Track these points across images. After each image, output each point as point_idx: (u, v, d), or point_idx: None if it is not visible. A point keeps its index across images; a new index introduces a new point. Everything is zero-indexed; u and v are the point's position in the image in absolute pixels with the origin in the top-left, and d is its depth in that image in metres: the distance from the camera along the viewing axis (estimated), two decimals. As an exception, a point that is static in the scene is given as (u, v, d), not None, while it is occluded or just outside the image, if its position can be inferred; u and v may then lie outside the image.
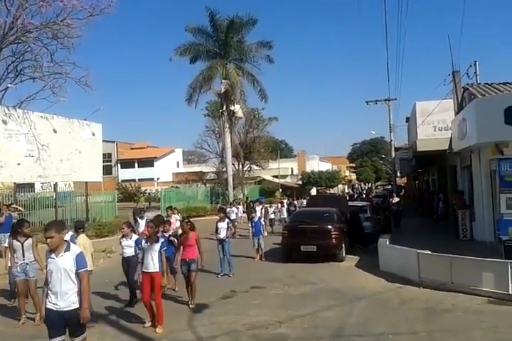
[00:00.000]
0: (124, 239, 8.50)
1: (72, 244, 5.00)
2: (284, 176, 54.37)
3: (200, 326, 7.18)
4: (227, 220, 11.52)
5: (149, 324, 7.17)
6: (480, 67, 17.92)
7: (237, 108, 32.30)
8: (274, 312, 7.86)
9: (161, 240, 7.33)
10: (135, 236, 8.46)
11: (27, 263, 7.45)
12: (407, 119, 33.77)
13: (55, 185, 21.36)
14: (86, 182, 22.59)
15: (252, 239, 14.46)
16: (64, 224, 5.17)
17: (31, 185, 22.66)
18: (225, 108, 32.31)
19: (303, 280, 10.46)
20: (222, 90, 31.34)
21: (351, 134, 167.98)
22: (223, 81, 31.19)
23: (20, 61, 19.75)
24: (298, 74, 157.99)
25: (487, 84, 15.98)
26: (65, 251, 4.77)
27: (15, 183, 19.33)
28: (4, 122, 17.29)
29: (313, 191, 54.16)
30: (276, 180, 49.92)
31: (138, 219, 13.14)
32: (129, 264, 8.30)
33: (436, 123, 22.33)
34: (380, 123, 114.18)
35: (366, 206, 18.07)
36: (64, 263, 4.74)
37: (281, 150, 57.46)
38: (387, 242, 11.60)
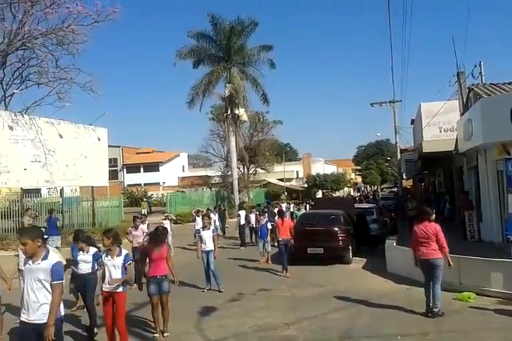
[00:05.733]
0: (80, 252, 7.42)
1: (52, 253, 4.58)
2: (290, 179, 54.37)
3: (208, 328, 7.17)
4: (212, 228, 10.26)
5: None
6: (485, 67, 17.88)
7: (241, 111, 32.40)
8: (282, 314, 7.85)
9: (124, 253, 6.29)
10: (93, 250, 7.25)
11: None
12: (412, 121, 33.68)
13: (62, 190, 21.46)
14: (92, 187, 22.63)
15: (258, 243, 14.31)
16: (38, 231, 4.71)
17: (38, 191, 22.76)
18: (229, 112, 32.40)
19: (310, 282, 10.43)
20: (227, 94, 31.46)
21: (356, 137, 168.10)
22: (227, 85, 31.33)
23: (26, 67, 19.96)
24: (302, 76, 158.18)
25: (492, 84, 15.94)
26: (42, 259, 4.42)
27: (22, 188, 19.41)
28: (11, 128, 17.40)
29: (319, 194, 54.08)
30: (281, 183, 49.88)
31: (131, 229, 11.67)
32: (86, 283, 7.19)
33: (441, 124, 22.23)
34: (386, 126, 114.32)
35: (373, 208, 18.02)
36: (39, 271, 4.40)
37: (286, 154, 57.46)
38: (394, 244, 11.55)
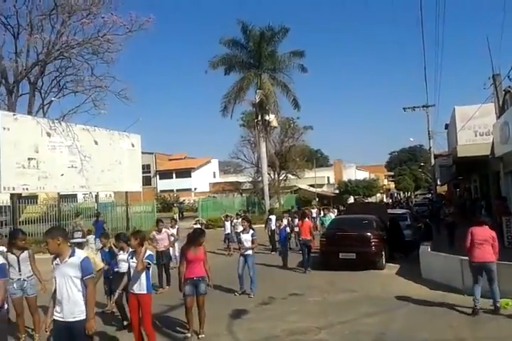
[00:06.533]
0: (121, 252, 7.65)
1: (77, 250, 4.67)
2: (321, 185, 54.02)
3: (239, 331, 7.18)
4: (251, 231, 10.00)
5: None
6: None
7: (271, 117, 32.50)
8: (314, 318, 7.78)
9: (148, 254, 6.14)
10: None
11: (24, 280, 6.83)
12: (446, 126, 33.05)
13: (97, 195, 22.00)
14: (126, 192, 23.13)
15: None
16: (58, 230, 4.82)
17: (74, 196, 23.43)
18: (259, 118, 32.56)
19: (342, 287, 10.31)
20: (257, 100, 31.64)
21: (389, 142, 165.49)
22: (258, 91, 31.50)
23: (63, 76, 20.74)
24: (333, 81, 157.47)
25: (530, 86, 15.50)
26: (69, 257, 4.51)
27: (58, 194, 20.01)
28: (49, 134, 18.02)
29: (351, 200, 53.50)
30: (312, 189, 49.61)
31: (154, 233, 11.29)
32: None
33: (477, 128, 21.74)
34: (419, 131, 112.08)
35: (406, 214, 17.69)
36: (68, 269, 4.48)
37: (317, 160, 57.13)
38: (429, 249, 11.31)
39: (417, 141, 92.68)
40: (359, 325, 7.30)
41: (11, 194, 17.47)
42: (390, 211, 17.98)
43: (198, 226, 15.16)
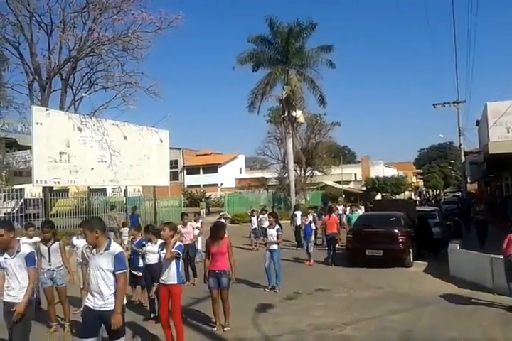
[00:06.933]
0: (149, 243, 7.78)
1: (113, 243, 4.73)
2: (347, 182, 53.50)
3: (264, 324, 7.22)
4: (277, 227, 10.06)
5: None
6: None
7: (298, 113, 32.34)
8: (340, 314, 7.76)
9: (177, 244, 6.20)
10: (160, 241, 7.00)
11: (53, 270, 7.02)
12: (477, 122, 32.23)
13: (125, 189, 22.37)
14: (154, 187, 23.46)
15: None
16: (97, 222, 4.89)
17: (103, 190, 23.89)
18: (286, 114, 32.43)
19: (369, 284, 10.24)
20: (284, 96, 31.53)
21: (418, 139, 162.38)
22: (285, 87, 31.40)
23: (94, 72, 21.13)
24: (360, 77, 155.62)
25: None
26: (104, 250, 4.59)
27: (88, 187, 20.43)
28: (80, 129, 18.40)
29: (378, 197, 52.86)
30: (339, 185, 49.23)
31: (179, 227, 11.08)
32: (153, 273, 7.26)
33: (509, 124, 21.15)
34: (449, 127, 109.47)
35: (435, 211, 17.38)
36: (102, 261, 4.58)
37: (344, 156, 56.59)
38: (458, 247, 11.11)
39: (447, 137, 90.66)
40: (385, 321, 7.24)
41: (43, 187, 17.94)
42: (418, 208, 17.69)
43: (222, 220, 15.28)
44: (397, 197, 54.64)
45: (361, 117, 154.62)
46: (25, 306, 4.77)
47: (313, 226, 14.23)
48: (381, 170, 60.25)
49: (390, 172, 62.96)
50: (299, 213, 18.01)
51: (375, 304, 8.35)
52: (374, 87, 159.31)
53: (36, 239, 7.57)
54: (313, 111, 38.80)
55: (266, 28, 32.02)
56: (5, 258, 4.99)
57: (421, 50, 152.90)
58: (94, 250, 4.66)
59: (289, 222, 19.22)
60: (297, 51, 32.22)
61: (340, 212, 23.25)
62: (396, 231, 12.40)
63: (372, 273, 11.58)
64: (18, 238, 5.46)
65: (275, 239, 9.99)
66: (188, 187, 52.59)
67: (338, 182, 49.74)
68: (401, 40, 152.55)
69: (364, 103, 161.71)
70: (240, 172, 59.25)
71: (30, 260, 5.01)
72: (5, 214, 18.02)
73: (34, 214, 18.07)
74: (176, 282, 6.11)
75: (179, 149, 54.56)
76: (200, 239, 12.32)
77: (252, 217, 18.39)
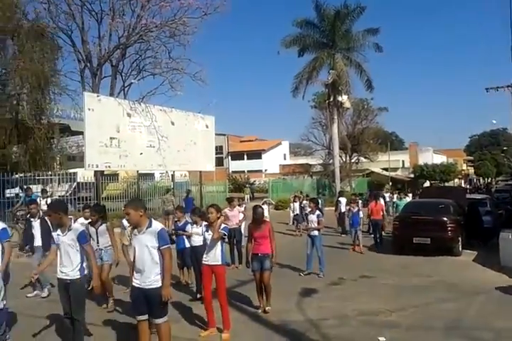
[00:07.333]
0: (194, 225, 7.94)
1: (154, 221, 4.90)
2: (395, 169, 52.34)
3: (308, 308, 7.26)
4: (317, 212, 10.11)
5: (206, 332, 6.12)
6: None
7: (344, 98, 31.84)
8: (385, 300, 7.68)
9: (223, 226, 6.26)
10: (205, 224, 6.92)
11: (101, 249, 7.33)
12: (535, 107, 30.57)
13: (173, 174, 22.88)
14: (200, 172, 23.87)
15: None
16: (141, 202, 5.13)
17: (151, 175, 24.54)
18: (332, 99, 32.02)
19: (415, 272, 10.07)
20: (330, 81, 31.06)
21: (469, 125, 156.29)
22: (331, 71, 30.89)
23: (142, 59, 21.58)
24: (408, 61, 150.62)
25: None
26: (147, 228, 4.78)
27: (137, 172, 21.03)
28: (129, 115, 18.91)
29: (426, 185, 51.46)
30: (385, 172, 48.22)
31: (226, 210, 11.02)
32: (198, 255, 7.34)
33: None
34: (502, 113, 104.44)
35: (486, 199, 16.75)
36: (146, 239, 4.76)
37: (391, 143, 55.27)
38: (510, 236, 10.68)
39: (500, 123, 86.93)
40: (432, 309, 7.12)
41: (94, 171, 18.64)
42: (468, 196, 17.12)
43: (266, 206, 15.34)
44: (446, 184, 53.03)
45: (410, 102, 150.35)
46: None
47: (361, 214, 14.01)
48: (430, 157, 58.45)
49: (439, 159, 60.99)
50: (343, 200, 17.83)
51: (422, 292, 8.21)
52: (424, 72, 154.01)
53: (83, 220, 7.98)
54: (359, 96, 38.15)
55: (311, 12, 31.53)
56: (58, 234, 5.28)
57: (475, 34, 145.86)
58: (136, 230, 4.86)
59: (333, 208, 19.08)
60: (344, 34, 31.57)
61: (388, 199, 22.87)
62: (445, 219, 12.07)
63: (419, 261, 11.36)
64: (70, 216, 5.72)
65: (316, 224, 9.98)
66: (233, 172, 53.09)
67: (385, 169, 48.70)
68: (452, 22, 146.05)
69: (413, 88, 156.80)
70: (284, 159, 59.14)
71: (82, 238, 5.28)
72: (59, 196, 18.84)
73: (86, 197, 18.81)
74: (220, 263, 6.20)
75: (224, 135, 54.97)
76: (243, 223, 12.49)
77: (295, 203, 18.40)
